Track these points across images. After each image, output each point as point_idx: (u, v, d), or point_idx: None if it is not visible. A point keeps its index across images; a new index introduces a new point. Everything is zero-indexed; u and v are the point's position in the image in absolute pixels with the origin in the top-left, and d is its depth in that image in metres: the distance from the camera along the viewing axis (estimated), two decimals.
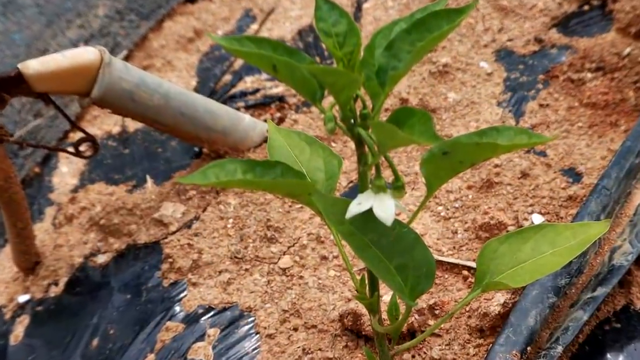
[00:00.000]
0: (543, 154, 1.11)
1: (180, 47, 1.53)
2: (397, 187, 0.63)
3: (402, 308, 0.76)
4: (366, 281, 0.71)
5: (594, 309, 0.88)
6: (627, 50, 1.23)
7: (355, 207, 0.62)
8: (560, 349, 0.86)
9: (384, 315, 0.80)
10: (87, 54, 1.11)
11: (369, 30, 1.43)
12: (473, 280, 0.92)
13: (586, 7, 1.36)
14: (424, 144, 0.51)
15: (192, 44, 1.54)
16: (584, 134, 1.13)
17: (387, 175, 1.10)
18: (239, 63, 1.46)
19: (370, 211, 0.61)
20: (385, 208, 0.61)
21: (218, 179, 0.60)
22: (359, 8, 1.49)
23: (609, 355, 0.87)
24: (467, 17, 0.54)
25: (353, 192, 1.14)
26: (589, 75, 1.21)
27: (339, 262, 1.04)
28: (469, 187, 1.08)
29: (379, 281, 0.70)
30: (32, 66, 1.08)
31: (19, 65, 1.07)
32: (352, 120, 0.61)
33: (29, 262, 1.18)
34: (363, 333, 0.94)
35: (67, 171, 1.34)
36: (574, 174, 1.08)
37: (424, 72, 1.29)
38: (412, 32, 0.57)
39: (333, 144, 1.20)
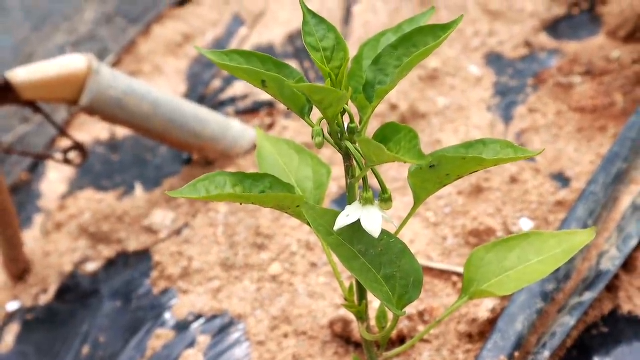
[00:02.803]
0: (532, 159, 1.12)
1: (169, 51, 1.53)
2: (385, 199, 0.64)
3: (391, 316, 0.76)
4: (354, 289, 0.72)
5: (582, 314, 0.89)
6: (616, 53, 1.24)
7: (344, 219, 0.62)
8: (547, 354, 0.87)
9: (373, 322, 0.81)
10: (75, 62, 1.11)
11: (359, 34, 1.43)
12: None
13: (575, 11, 1.37)
14: (410, 162, 0.51)
15: (181, 48, 1.53)
16: (572, 139, 1.14)
17: (376, 183, 1.10)
18: None
19: (358, 222, 0.62)
20: (372, 220, 0.62)
21: (208, 192, 0.61)
22: (348, 11, 1.49)
23: None
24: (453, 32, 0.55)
25: (343, 198, 1.15)
26: (578, 79, 1.22)
27: (329, 269, 1.04)
28: (459, 193, 1.09)
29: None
30: (20, 74, 1.08)
31: (6, 74, 1.07)
32: (340, 134, 0.61)
33: (18, 270, 1.18)
34: (353, 340, 0.95)
35: (55, 178, 1.34)
36: (562, 179, 1.08)
37: (414, 77, 1.30)
38: (398, 47, 0.57)
39: (323, 150, 1.20)
